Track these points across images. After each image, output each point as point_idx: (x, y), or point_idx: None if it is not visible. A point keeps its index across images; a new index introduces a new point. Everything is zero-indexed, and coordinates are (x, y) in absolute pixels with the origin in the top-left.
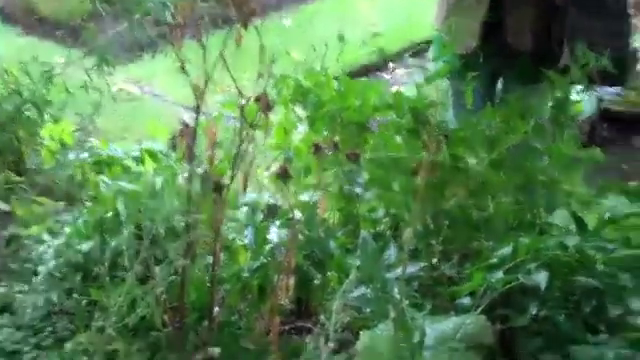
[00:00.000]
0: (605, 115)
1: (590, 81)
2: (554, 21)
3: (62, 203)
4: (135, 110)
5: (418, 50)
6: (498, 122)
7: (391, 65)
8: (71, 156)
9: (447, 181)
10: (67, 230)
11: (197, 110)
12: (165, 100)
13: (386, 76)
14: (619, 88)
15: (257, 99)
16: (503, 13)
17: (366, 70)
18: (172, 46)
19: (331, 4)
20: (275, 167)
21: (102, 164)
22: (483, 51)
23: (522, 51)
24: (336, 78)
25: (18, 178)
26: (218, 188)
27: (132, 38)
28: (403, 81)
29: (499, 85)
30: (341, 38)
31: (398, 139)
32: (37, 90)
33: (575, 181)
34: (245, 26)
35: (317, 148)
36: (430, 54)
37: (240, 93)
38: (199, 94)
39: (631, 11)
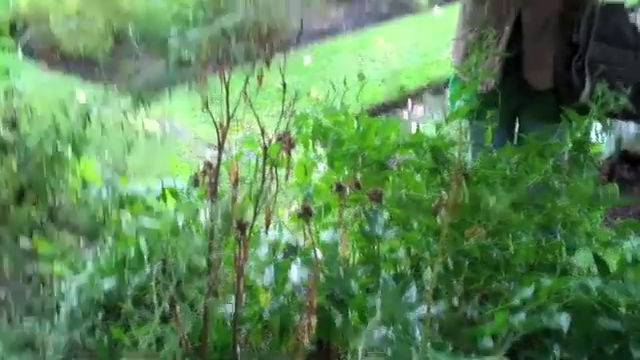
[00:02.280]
0: (625, 156)
1: (610, 115)
2: (574, 57)
3: (83, 241)
4: (155, 147)
5: (436, 88)
6: (517, 161)
7: (410, 103)
8: (94, 193)
9: (467, 220)
10: (89, 267)
11: (220, 148)
12: (184, 137)
13: (405, 113)
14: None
15: (279, 137)
16: (521, 50)
17: (385, 108)
18: (195, 83)
19: (349, 41)
20: (295, 206)
21: (123, 201)
22: (502, 89)
23: (541, 89)
24: (356, 117)
25: (40, 215)
26: (242, 226)
27: (160, 76)
28: (422, 118)
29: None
30: (361, 77)
31: (418, 178)
32: (74, 128)
33: (595, 221)
34: (268, 64)
35: (339, 187)
36: (448, 92)
37: (262, 131)
38: (222, 132)
39: None
